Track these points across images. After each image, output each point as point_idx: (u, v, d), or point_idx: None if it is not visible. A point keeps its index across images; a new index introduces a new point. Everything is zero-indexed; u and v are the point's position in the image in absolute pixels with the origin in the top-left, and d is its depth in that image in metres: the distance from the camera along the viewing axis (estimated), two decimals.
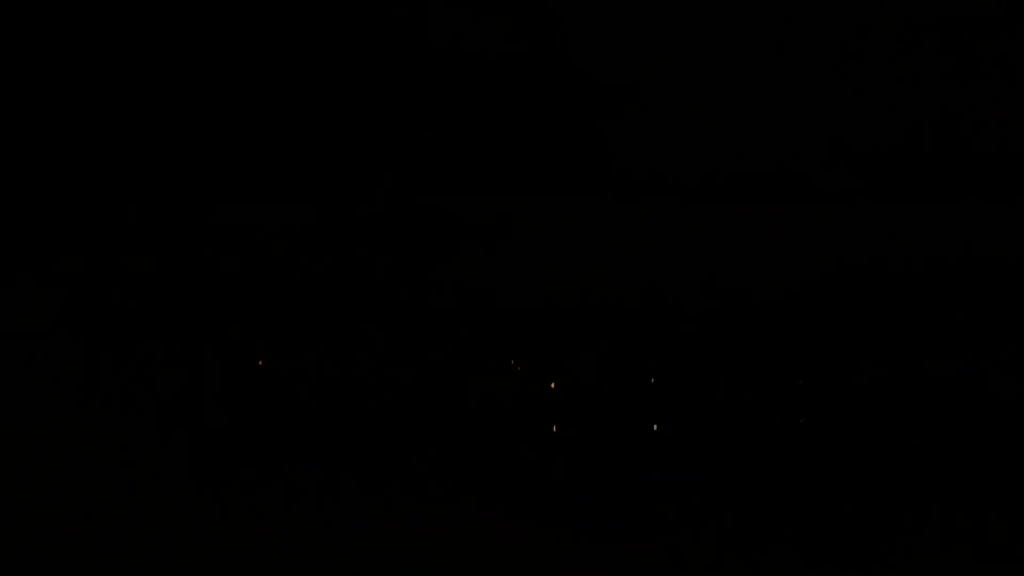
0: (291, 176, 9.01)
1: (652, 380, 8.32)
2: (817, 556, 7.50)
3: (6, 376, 8.27)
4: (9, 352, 8.37)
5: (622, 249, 8.76)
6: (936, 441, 8.01)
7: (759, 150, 8.97)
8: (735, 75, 9.03)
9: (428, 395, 8.32)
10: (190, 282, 8.71)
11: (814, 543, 7.57)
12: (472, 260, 8.78)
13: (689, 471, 7.95)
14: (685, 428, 8.13)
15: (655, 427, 8.13)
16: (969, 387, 8.19)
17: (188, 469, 7.91)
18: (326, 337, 8.48)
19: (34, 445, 7.97)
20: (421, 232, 8.89)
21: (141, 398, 8.25)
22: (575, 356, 8.44)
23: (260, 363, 8.43)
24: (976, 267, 8.61)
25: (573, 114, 9.05)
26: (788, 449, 8.04)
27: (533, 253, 8.78)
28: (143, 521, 7.62)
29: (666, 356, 8.41)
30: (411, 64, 9.07)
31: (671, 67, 9.03)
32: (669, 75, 9.04)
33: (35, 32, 9.06)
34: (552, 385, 8.33)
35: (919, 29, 8.98)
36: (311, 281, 8.72)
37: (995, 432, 8.03)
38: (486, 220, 8.86)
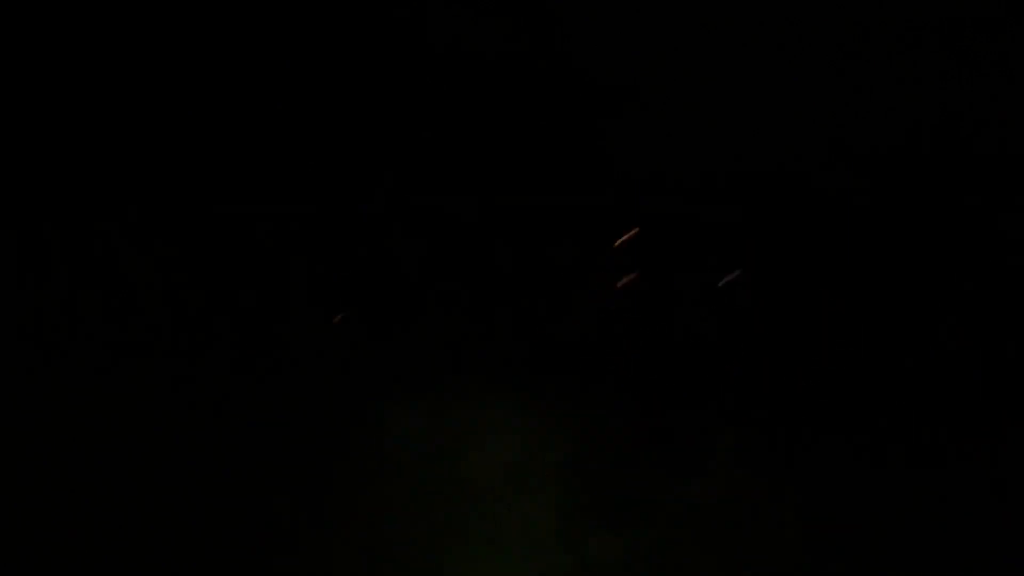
0: (291, 176, 9.01)
1: (652, 380, 8.33)
2: (817, 556, 7.51)
3: (6, 376, 8.28)
4: (9, 352, 8.38)
5: (622, 249, 8.77)
6: (936, 441, 8.02)
7: (759, 150, 8.97)
8: (735, 75, 9.03)
9: (428, 395, 8.33)
10: (190, 282, 8.71)
11: (813, 543, 7.58)
12: (472, 260, 8.78)
13: (689, 471, 7.96)
14: (684, 428, 8.14)
15: (653, 426, 8.15)
16: (969, 387, 8.20)
17: (188, 469, 7.92)
18: (326, 337, 8.49)
19: (34, 445, 7.97)
20: (421, 232, 8.89)
21: (141, 398, 8.25)
22: (574, 356, 8.45)
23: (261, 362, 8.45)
24: (976, 267, 8.61)
25: (573, 114, 9.05)
26: (788, 449, 8.05)
27: (533, 253, 8.79)
28: (143, 521, 7.63)
29: (666, 356, 8.42)
30: (411, 64, 9.08)
31: (671, 67, 9.04)
32: (669, 75, 9.04)
33: (35, 32, 9.07)
34: (551, 384, 8.34)
35: (919, 29, 8.99)
36: (311, 281, 8.72)
37: (995, 432, 8.04)
38: (486, 220, 8.86)
